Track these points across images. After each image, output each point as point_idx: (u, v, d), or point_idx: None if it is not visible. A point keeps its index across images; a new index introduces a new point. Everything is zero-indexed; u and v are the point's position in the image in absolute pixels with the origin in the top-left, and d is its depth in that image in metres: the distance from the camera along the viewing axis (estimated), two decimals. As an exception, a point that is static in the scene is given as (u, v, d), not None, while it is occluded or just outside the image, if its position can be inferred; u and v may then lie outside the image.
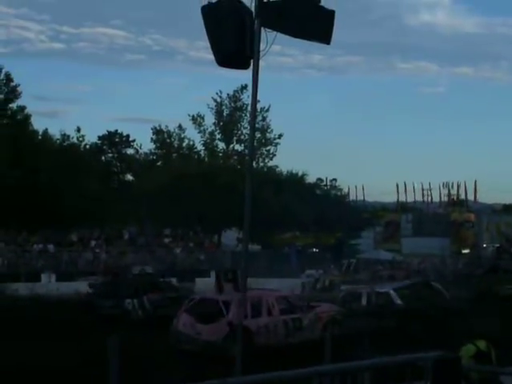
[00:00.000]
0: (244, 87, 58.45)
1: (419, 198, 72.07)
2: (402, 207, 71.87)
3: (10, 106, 51.91)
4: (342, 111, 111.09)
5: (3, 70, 51.34)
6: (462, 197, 71.03)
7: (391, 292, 23.69)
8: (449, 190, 70.59)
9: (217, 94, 61.44)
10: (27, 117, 52.36)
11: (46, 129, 56.26)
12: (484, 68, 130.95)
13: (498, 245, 58.34)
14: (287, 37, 10.05)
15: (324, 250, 59.29)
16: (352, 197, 73.12)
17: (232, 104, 61.25)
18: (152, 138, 63.46)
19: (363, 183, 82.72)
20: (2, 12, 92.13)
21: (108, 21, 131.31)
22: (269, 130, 61.09)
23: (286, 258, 52.68)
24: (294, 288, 29.37)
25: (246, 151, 52.72)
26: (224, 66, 10.37)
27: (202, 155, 63.46)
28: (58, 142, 55.60)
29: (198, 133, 62.08)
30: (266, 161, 61.64)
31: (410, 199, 72.52)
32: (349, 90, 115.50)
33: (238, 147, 61.68)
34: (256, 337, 18.01)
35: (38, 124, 69.82)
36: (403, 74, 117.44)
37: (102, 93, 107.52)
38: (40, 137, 54.45)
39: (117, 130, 64.21)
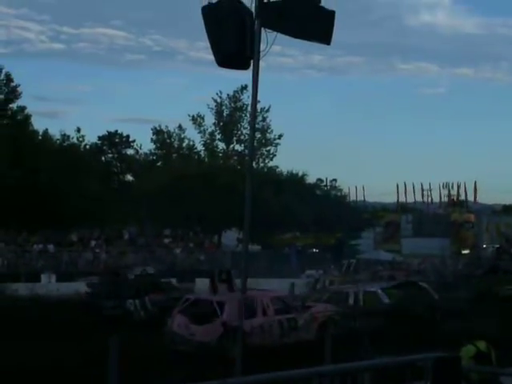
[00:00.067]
0: (244, 87, 58.51)
1: (419, 198, 72.08)
2: (402, 208, 71.85)
3: (11, 106, 51.97)
4: (342, 112, 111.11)
5: (3, 71, 51.48)
6: (462, 197, 71.02)
7: (379, 291, 23.69)
8: (449, 191, 70.61)
9: (217, 94, 61.55)
10: (27, 117, 52.40)
11: (46, 129, 56.47)
12: (484, 69, 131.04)
13: (497, 245, 58.33)
14: (287, 37, 10.06)
15: (324, 250, 59.25)
16: (352, 197, 73.15)
17: (232, 104, 61.29)
18: (152, 139, 63.58)
19: (363, 184, 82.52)
20: (2, 12, 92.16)
21: (108, 21, 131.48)
22: (269, 131, 61.16)
23: (286, 258, 52.65)
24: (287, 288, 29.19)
25: (246, 151, 52.70)
26: (224, 67, 10.38)
27: (202, 155, 63.50)
28: (58, 142, 55.64)
29: (198, 133, 62.19)
30: (266, 161, 61.74)
31: (410, 200, 72.54)
32: (349, 90, 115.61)
33: (238, 147, 61.77)
34: (250, 337, 17.92)
35: (38, 124, 69.83)
36: (403, 74, 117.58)
37: (102, 93, 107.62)
38: (40, 137, 54.48)
39: (117, 131, 64.31)
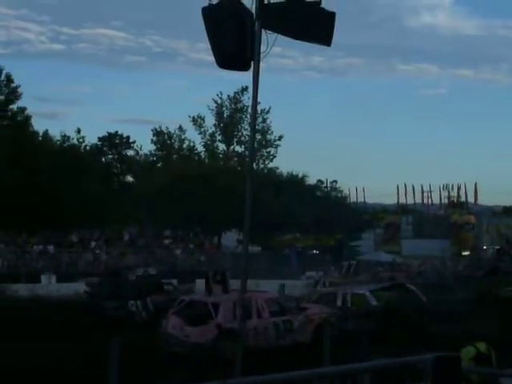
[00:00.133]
0: (244, 89, 58.59)
1: (419, 199, 71.98)
2: (402, 209, 71.80)
3: (11, 107, 52.01)
4: (342, 113, 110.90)
5: (4, 71, 51.51)
6: (463, 199, 70.92)
7: (367, 293, 23.72)
8: (449, 192, 70.51)
9: (217, 95, 61.67)
10: (27, 118, 52.42)
11: (47, 130, 56.49)
12: (484, 70, 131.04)
13: (498, 247, 58.31)
14: (288, 38, 10.07)
15: (324, 251, 59.24)
16: (352, 198, 73.03)
17: (232, 105, 61.38)
18: (152, 140, 63.66)
19: (364, 185, 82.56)
20: (2, 13, 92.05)
21: (108, 22, 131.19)
22: (269, 132, 61.28)
23: (286, 259, 52.65)
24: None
25: (247, 153, 52.76)
26: (224, 68, 10.38)
27: (203, 156, 63.56)
28: (58, 143, 55.65)
29: (199, 134, 62.29)
30: (267, 162, 61.86)
31: (411, 201, 72.44)
32: (349, 91, 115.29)
33: (239, 149, 61.86)
34: (244, 339, 17.89)
35: (39, 125, 69.65)
36: (404, 75, 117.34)
37: (103, 94, 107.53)
38: (40, 138, 54.47)
39: (117, 132, 64.26)
